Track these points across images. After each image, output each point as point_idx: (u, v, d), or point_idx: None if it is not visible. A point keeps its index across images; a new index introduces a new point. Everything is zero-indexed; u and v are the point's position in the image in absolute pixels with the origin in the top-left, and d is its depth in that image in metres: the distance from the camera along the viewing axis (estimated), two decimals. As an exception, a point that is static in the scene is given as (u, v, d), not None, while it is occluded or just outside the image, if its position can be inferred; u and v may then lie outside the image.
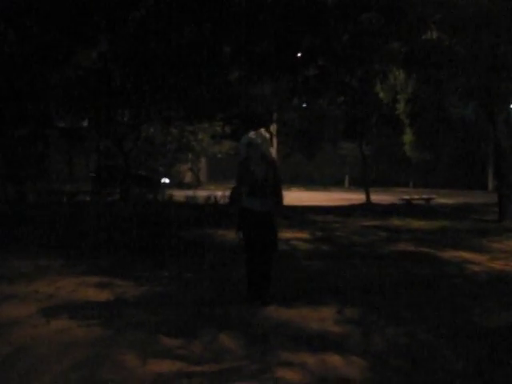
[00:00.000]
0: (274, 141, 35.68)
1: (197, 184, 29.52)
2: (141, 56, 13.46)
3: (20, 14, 10.93)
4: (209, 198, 17.23)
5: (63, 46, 11.44)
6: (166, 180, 31.84)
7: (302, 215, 16.61)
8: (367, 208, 20.91)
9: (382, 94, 21.05)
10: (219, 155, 32.48)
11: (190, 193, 18.36)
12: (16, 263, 7.80)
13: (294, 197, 23.12)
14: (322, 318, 5.53)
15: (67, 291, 6.27)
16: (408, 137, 23.45)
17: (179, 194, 18.51)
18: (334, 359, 4.38)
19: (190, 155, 29.24)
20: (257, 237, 5.88)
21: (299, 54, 13.70)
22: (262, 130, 5.95)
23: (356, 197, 26.10)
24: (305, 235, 12.02)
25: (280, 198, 5.96)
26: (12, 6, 10.55)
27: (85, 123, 19.08)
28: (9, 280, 6.80)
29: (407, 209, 20.37)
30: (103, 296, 6.11)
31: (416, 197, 24.96)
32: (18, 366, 4.13)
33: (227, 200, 6.43)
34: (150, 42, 12.31)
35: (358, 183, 34.64)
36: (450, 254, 9.86)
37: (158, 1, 10.66)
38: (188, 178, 30.11)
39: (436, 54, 12.44)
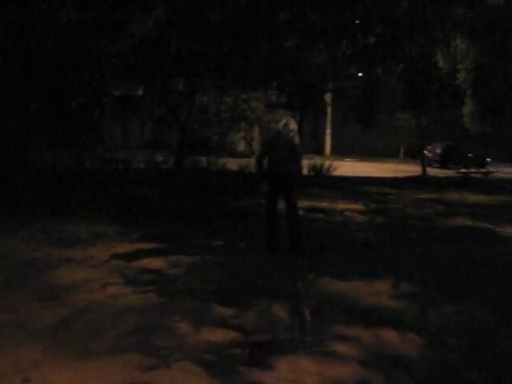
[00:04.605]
0: (329, 111, 35.18)
1: (250, 153, 29.45)
2: (196, 23, 13.33)
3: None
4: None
5: (119, 13, 11.42)
6: (488, 159, 31.30)
7: (356, 186, 16.35)
8: (423, 180, 20.40)
9: (441, 63, 20.32)
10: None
11: (243, 162, 18.32)
12: (72, 229, 7.93)
13: (347, 167, 22.81)
14: (376, 291, 5.42)
15: (122, 257, 6.35)
16: (468, 108, 22.55)
17: (232, 163, 18.49)
18: (390, 335, 4.29)
19: (243, 124, 29.18)
20: (277, 192, 6.84)
21: (357, 22, 13.27)
22: (292, 121, 6.98)
23: (411, 168, 25.49)
24: (359, 207, 11.82)
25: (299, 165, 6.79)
26: None
27: (140, 91, 19.17)
28: (66, 245, 6.93)
29: (464, 182, 19.77)
30: (157, 263, 6.15)
31: (474, 170, 24.19)
32: (73, 328, 4.20)
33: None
34: (205, 8, 12.16)
35: (413, 155, 33.74)
36: (509, 231, 9.53)
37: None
38: (241, 146, 29.96)
39: (503, 20, 11.83)
